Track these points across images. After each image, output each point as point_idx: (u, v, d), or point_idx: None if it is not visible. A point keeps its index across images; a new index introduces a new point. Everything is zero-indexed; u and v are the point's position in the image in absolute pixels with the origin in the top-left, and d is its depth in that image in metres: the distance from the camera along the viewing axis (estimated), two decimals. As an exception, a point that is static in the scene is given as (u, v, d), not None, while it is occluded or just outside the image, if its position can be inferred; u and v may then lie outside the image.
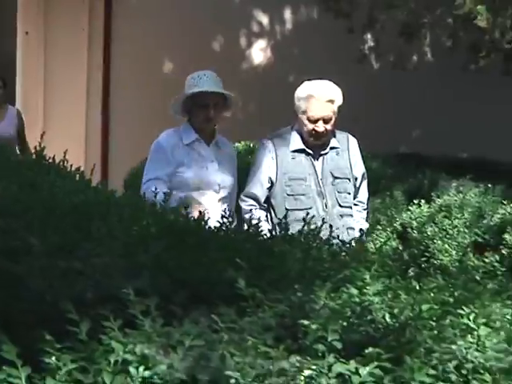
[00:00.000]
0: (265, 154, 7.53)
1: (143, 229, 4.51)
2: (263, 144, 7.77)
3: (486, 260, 7.90)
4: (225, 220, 5.54)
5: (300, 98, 7.41)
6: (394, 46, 14.90)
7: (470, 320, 3.11)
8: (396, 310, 3.25)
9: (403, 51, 14.39)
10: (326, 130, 7.27)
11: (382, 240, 9.93)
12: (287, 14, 19.70)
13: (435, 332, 3.02)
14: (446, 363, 2.82)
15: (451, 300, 3.39)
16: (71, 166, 6.50)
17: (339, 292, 3.38)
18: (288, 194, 7.26)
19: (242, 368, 2.64)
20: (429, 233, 9.80)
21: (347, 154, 7.46)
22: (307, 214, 6.59)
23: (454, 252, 9.19)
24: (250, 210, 7.28)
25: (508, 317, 3.30)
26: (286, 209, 7.08)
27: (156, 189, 6.01)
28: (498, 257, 8.21)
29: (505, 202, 10.21)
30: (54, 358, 2.62)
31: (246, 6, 19.42)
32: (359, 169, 7.60)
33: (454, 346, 2.90)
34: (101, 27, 18.79)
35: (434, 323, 3.10)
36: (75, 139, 17.51)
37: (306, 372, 2.69)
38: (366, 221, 7.82)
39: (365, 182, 7.75)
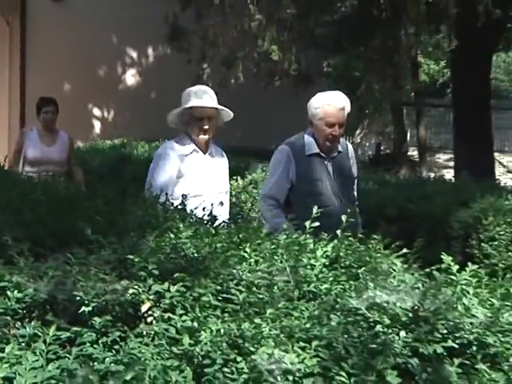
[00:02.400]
0: (283, 159, 6.39)
1: (34, 198, 4.49)
2: (281, 149, 6.51)
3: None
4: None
5: (316, 106, 6.27)
6: (219, 72, 15.11)
7: (246, 252, 3.12)
8: (200, 248, 3.25)
9: (225, 75, 14.61)
10: (339, 133, 6.26)
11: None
12: (150, 50, 20.09)
13: (222, 261, 3.03)
14: (228, 282, 2.82)
15: (235, 240, 3.40)
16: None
17: (163, 237, 3.37)
18: (308, 194, 6.18)
19: (86, 289, 2.64)
20: (242, 198, 9.90)
21: (347, 157, 6.53)
22: (327, 210, 5.62)
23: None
24: (271, 208, 6.16)
25: (272, 247, 3.32)
26: (307, 207, 6.02)
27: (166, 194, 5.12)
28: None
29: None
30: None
31: (120, 45, 19.86)
32: (355, 169, 6.67)
33: (234, 270, 2.91)
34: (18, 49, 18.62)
35: (223, 255, 3.10)
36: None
37: (131, 290, 2.69)
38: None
39: (356, 181, 6.76)
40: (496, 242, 6.66)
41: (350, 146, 6.66)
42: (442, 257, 2.99)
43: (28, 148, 9.56)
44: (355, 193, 6.51)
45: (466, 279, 2.85)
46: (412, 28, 13.39)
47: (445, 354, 2.32)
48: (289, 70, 13.28)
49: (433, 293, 2.61)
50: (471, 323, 2.45)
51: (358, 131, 29.45)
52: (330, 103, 6.18)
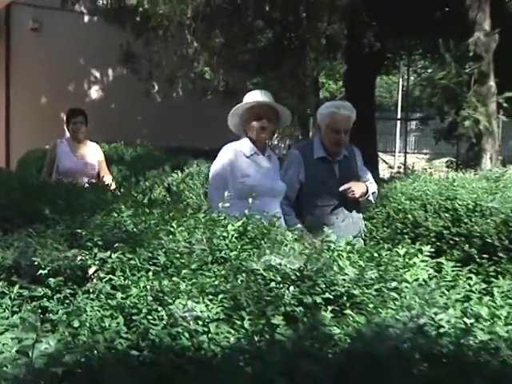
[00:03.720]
0: (294, 161, 5.81)
1: (10, 186, 4.42)
2: (292, 153, 6.03)
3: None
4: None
5: (325, 114, 5.72)
6: (163, 88, 15.08)
7: (173, 227, 3.11)
8: (137, 224, 3.23)
9: (168, 91, 14.56)
10: (344, 139, 5.65)
11: (157, 192, 10.02)
12: (110, 71, 20.06)
13: (154, 234, 3.02)
14: (157, 250, 2.81)
15: (166, 218, 3.40)
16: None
17: (108, 216, 3.35)
18: (316, 193, 5.67)
19: (44, 256, 2.61)
20: (181, 188, 9.83)
21: (354, 160, 5.84)
22: (333, 208, 5.52)
23: (194, 197, 9.16)
24: (283, 207, 5.44)
25: (194, 223, 3.32)
26: (316, 205, 5.67)
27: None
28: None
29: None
30: None
31: (86, 66, 19.93)
32: (364, 169, 5.95)
33: (162, 241, 2.90)
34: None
35: (155, 230, 3.09)
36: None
37: (80, 257, 2.67)
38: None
39: (369, 174, 6.00)
40: (375, 220, 6.73)
41: (357, 151, 5.95)
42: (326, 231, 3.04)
43: (60, 159, 8.04)
44: (368, 179, 5.90)
45: (344, 248, 2.89)
46: (313, 55, 13.46)
47: (323, 303, 2.35)
48: (218, 87, 13.28)
49: (315, 257, 2.64)
50: (343, 279, 2.48)
51: (275, 135, 29.49)
52: (337, 112, 5.65)
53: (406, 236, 6.32)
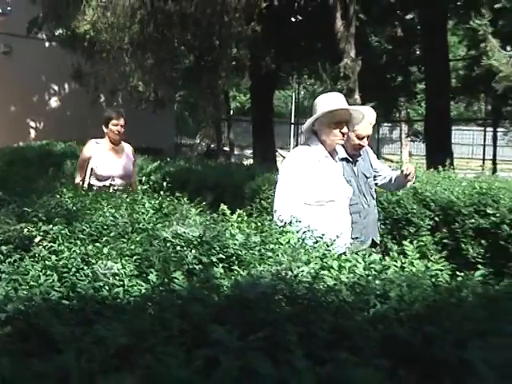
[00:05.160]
0: None
1: None
2: None
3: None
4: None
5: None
6: (107, 99, 14.96)
7: (102, 205, 3.07)
8: (75, 204, 3.19)
9: (110, 101, 14.46)
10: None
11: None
12: (66, 85, 19.97)
13: (87, 211, 2.98)
14: (89, 223, 2.77)
15: (98, 199, 3.35)
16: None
17: (53, 197, 3.29)
18: None
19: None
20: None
21: (368, 159, 4.80)
22: (356, 206, 4.52)
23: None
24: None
25: (119, 202, 3.30)
26: None
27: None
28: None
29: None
30: None
31: (47, 82, 20.04)
32: (377, 163, 4.94)
33: (93, 217, 2.86)
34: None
35: (88, 208, 3.05)
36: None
37: (25, 230, 2.61)
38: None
39: (385, 165, 5.10)
40: (269, 200, 6.77)
41: (369, 150, 4.93)
42: (222, 207, 3.04)
43: (96, 161, 6.31)
44: (374, 190, 4.87)
45: (235, 220, 2.91)
46: (224, 74, 13.47)
47: (217, 262, 2.36)
48: (149, 98, 13.15)
49: (212, 226, 2.64)
50: (234, 243, 2.49)
51: (197, 136, 29.36)
52: (365, 119, 4.45)
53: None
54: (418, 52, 19.29)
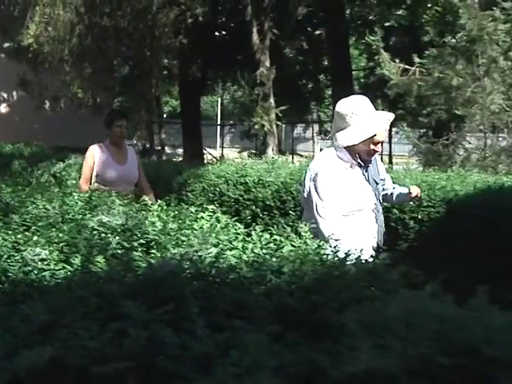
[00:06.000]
0: None
1: None
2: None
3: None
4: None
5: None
6: (50, 104, 14.60)
7: (36, 199, 2.97)
8: (14, 197, 3.08)
9: (53, 106, 14.15)
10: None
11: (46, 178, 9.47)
12: (14, 92, 19.67)
13: (21, 204, 2.89)
14: (23, 215, 2.69)
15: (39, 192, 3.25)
16: None
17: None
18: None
19: None
20: (63, 174, 9.27)
21: (376, 165, 3.89)
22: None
23: (71, 180, 8.67)
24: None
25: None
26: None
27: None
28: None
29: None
30: None
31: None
32: (383, 172, 4.06)
33: (28, 209, 2.77)
34: None
35: (24, 200, 2.95)
36: None
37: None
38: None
39: (388, 175, 4.18)
40: (195, 191, 6.75)
41: (378, 158, 4.03)
42: (144, 197, 3.01)
43: (101, 166, 5.34)
44: (390, 184, 4.10)
45: (156, 209, 2.87)
46: (156, 81, 13.36)
47: (138, 247, 2.33)
48: (88, 103, 12.90)
49: (133, 215, 2.61)
50: (153, 230, 2.46)
51: (134, 137, 28.94)
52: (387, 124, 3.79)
53: (215, 202, 6.37)
54: (325, 62, 19.60)
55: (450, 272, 2.36)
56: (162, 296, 1.57)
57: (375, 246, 3.52)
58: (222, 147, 29.80)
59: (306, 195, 3.54)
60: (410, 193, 3.94)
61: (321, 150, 32.54)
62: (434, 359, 1.29)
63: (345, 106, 3.54)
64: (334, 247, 2.09)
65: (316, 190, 3.43)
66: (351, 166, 3.56)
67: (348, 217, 3.42)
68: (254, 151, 18.53)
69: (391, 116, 3.76)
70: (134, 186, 5.40)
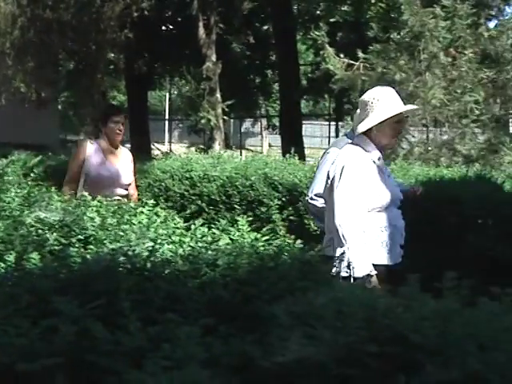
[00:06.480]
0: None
1: None
2: (327, 153, 3.88)
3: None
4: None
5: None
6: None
7: (9, 197, 2.90)
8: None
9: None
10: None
11: None
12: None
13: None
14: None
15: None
16: None
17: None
18: None
19: None
20: (6, 170, 9.02)
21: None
22: None
23: (13, 176, 8.49)
24: (322, 207, 3.56)
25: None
26: None
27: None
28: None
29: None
30: None
31: None
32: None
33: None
34: None
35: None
36: None
37: None
38: None
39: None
40: (140, 187, 6.64)
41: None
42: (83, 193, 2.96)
43: (91, 165, 4.70)
44: None
45: (94, 204, 2.84)
46: (101, 76, 13.16)
47: (76, 243, 2.30)
48: (32, 97, 12.60)
49: (72, 210, 2.58)
50: (92, 225, 2.44)
51: (81, 132, 28.40)
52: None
53: (161, 197, 6.33)
54: (273, 57, 19.67)
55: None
56: (96, 291, 1.56)
57: (403, 243, 3.37)
58: (170, 142, 29.64)
59: (329, 191, 3.33)
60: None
61: (269, 144, 32.77)
62: (363, 347, 1.32)
63: (368, 93, 3.43)
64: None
65: (341, 185, 3.20)
66: (378, 159, 3.32)
67: (374, 213, 3.24)
68: (202, 146, 18.49)
69: (414, 107, 3.88)
70: (125, 189, 4.85)
